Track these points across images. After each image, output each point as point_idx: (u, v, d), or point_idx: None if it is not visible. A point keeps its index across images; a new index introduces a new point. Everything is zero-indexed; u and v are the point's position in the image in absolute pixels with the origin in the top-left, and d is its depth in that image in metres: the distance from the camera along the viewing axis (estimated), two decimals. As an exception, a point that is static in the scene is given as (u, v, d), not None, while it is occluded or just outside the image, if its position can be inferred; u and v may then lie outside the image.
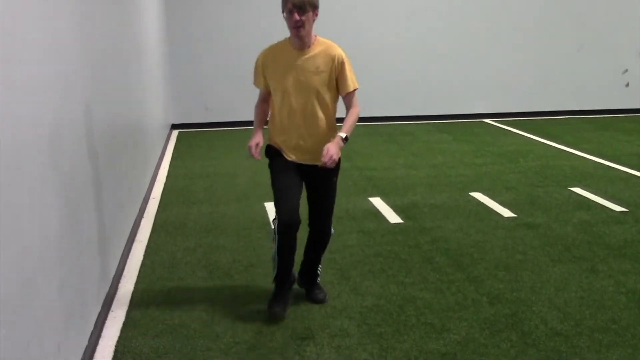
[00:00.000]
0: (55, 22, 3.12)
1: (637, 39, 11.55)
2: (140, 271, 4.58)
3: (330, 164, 3.61)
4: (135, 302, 4.10)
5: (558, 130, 10.22)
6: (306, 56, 3.71)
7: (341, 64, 3.73)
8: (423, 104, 11.24)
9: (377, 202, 6.20)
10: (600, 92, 11.61)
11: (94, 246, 3.71)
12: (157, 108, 8.21)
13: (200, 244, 5.10)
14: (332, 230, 4.03)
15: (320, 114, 3.77)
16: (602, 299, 4.08)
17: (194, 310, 3.96)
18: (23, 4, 2.59)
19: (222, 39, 10.47)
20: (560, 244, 5.04)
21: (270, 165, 3.88)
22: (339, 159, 3.72)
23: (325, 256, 4.24)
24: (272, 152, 3.88)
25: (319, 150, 3.68)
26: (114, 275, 4.31)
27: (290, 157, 3.82)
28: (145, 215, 5.88)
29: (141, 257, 4.83)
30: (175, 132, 10.38)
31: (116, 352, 3.49)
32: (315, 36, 3.75)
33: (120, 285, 4.33)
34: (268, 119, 3.95)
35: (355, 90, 3.79)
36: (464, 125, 10.79)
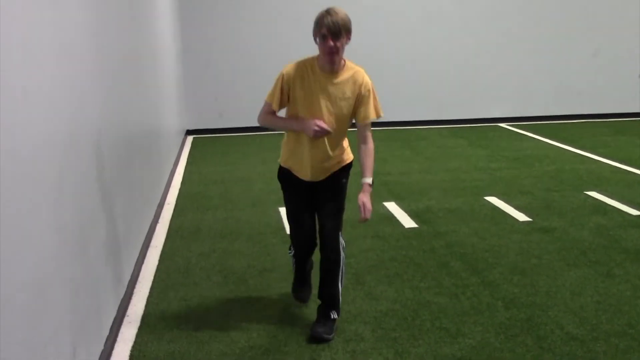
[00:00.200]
0: (71, 28, 3.15)
1: (654, 43, 11.48)
2: (155, 276, 4.60)
3: (369, 216, 3.63)
4: (151, 307, 4.12)
5: (574, 134, 10.15)
6: (336, 81, 3.55)
7: (368, 92, 3.59)
8: (438, 109, 11.23)
9: (392, 206, 6.19)
10: (617, 96, 11.52)
11: (109, 251, 3.74)
12: (172, 114, 8.26)
13: (214, 249, 5.12)
14: (343, 242, 3.79)
15: (340, 139, 3.71)
16: (619, 304, 4.05)
17: (209, 315, 3.98)
18: (38, 11, 2.62)
19: (237, 45, 10.50)
20: (576, 249, 5.00)
21: (283, 191, 3.88)
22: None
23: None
24: (283, 177, 3.83)
25: (332, 168, 3.71)
26: (129, 281, 4.33)
27: (304, 177, 3.73)
28: (160, 220, 5.91)
29: (156, 263, 4.85)
30: (190, 138, 10.42)
31: (131, 356, 3.51)
32: (344, 60, 3.58)
33: (135, 290, 4.35)
34: (283, 138, 3.85)
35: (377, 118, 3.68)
36: (479, 129, 10.76)
